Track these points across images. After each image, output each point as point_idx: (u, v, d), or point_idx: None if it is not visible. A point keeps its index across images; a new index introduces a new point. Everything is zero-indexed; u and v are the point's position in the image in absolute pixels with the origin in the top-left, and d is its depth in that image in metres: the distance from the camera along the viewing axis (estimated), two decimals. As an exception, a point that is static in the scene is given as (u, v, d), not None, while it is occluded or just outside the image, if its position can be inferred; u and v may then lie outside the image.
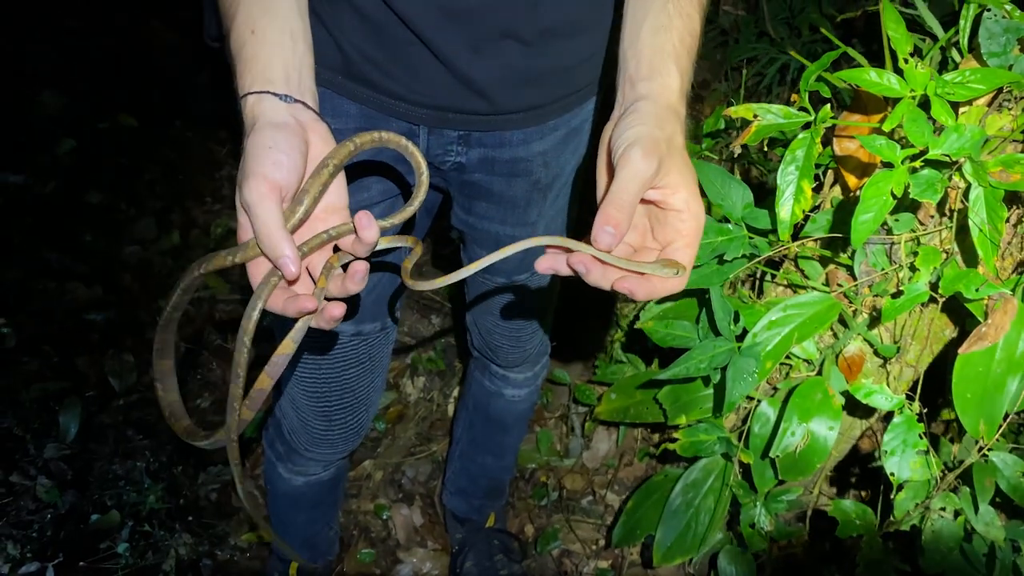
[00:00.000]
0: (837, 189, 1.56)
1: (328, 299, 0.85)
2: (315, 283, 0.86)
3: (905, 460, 1.35)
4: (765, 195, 1.53)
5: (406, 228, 1.40)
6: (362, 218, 0.81)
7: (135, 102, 3.30)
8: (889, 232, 1.40)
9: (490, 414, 1.91)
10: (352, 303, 1.30)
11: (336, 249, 0.88)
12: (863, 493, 2.07)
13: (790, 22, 3.68)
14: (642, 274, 0.81)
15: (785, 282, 1.65)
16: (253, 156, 0.79)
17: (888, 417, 1.46)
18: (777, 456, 1.44)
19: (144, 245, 2.82)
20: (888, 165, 1.21)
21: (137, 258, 2.77)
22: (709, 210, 1.71)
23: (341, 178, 0.88)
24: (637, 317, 1.72)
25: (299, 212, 0.82)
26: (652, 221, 0.87)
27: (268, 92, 0.85)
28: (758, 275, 1.70)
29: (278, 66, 0.87)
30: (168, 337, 0.91)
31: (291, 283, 0.84)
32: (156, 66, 3.45)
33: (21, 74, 3.24)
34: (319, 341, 1.37)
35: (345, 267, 0.88)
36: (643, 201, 0.85)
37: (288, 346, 0.87)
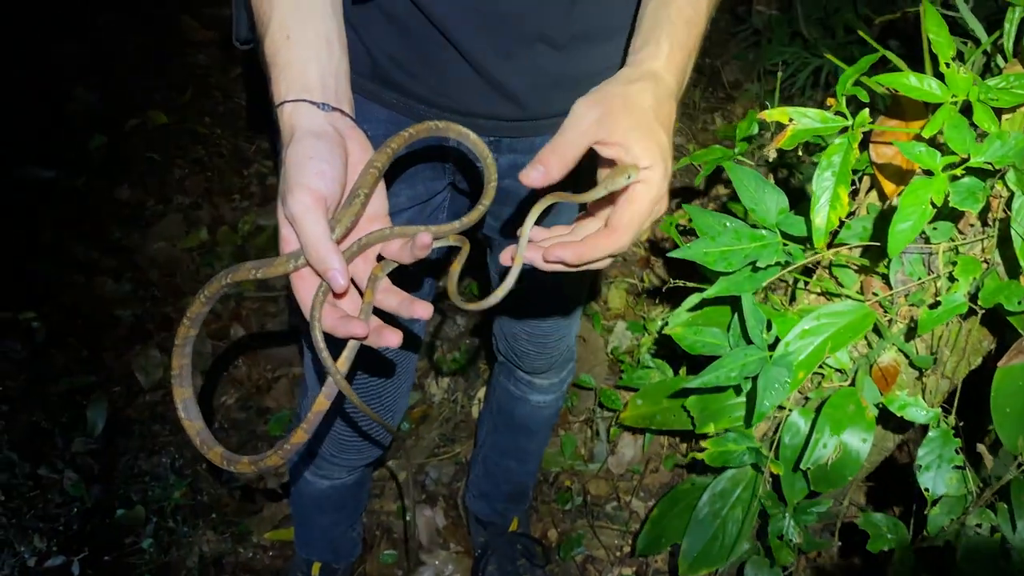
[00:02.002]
0: (873, 195, 1.53)
1: (376, 312, 0.84)
2: (361, 296, 0.85)
3: (940, 475, 1.32)
4: (800, 200, 1.50)
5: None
6: (424, 237, 0.81)
7: (166, 99, 3.32)
8: (927, 241, 1.36)
9: (515, 419, 1.89)
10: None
11: (380, 258, 0.86)
12: (896, 508, 2.03)
13: (824, 22, 3.63)
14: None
15: (818, 290, 1.62)
16: (295, 166, 0.78)
17: (922, 430, 1.42)
18: (808, 468, 1.41)
19: (172, 241, 2.83)
20: (928, 173, 1.17)
21: (165, 254, 2.79)
22: (745, 216, 1.68)
23: (382, 186, 0.87)
24: (666, 322, 1.69)
25: (360, 198, 0.81)
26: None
27: (305, 100, 0.83)
28: (790, 282, 1.67)
29: (314, 73, 0.85)
30: (186, 362, 0.89)
31: (339, 296, 0.82)
32: (187, 63, 3.47)
33: (54, 70, 3.27)
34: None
35: (392, 276, 0.86)
36: (606, 163, 0.85)
37: (342, 364, 0.86)
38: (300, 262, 0.79)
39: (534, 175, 0.80)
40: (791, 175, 2.30)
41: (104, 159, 3.05)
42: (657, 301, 2.68)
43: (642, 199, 0.82)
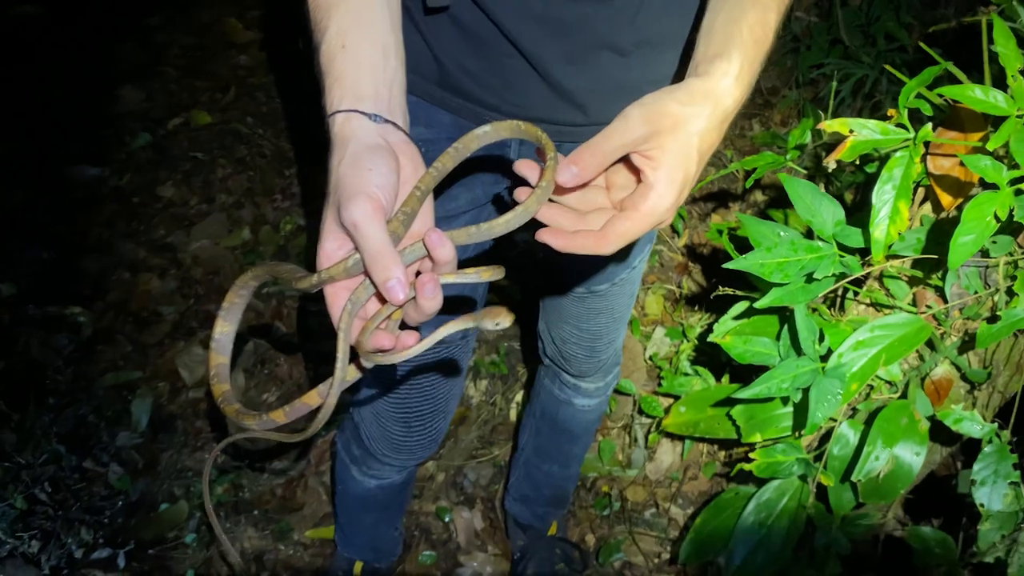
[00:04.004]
0: (927, 206, 1.52)
1: (403, 327, 0.83)
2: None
3: (997, 491, 1.31)
4: (850, 210, 1.49)
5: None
6: (432, 236, 0.78)
7: (209, 99, 3.36)
8: (985, 254, 1.35)
9: (558, 423, 1.90)
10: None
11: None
12: (934, 519, 2.01)
13: (865, 30, 3.60)
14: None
15: (868, 300, 1.61)
16: (353, 176, 0.77)
17: (973, 444, 1.41)
18: (859, 480, 1.41)
19: (215, 240, 2.87)
20: (992, 186, 1.17)
21: (208, 253, 2.82)
22: (786, 221, 1.67)
23: (429, 203, 0.86)
24: (709, 329, 1.69)
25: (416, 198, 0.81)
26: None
27: (357, 111, 0.82)
28: (839, 292, 1.66)
29: (368, 83, 0.84)
30: (239, 302, 0.87)
31: (399, 305, 0.81)
32: (230, 63, 3.51)
33: (103, 70, 3.32)
34: None
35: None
36: (633, 170, 0.87)
37: (352, 373, 0.86)
38: (323, 277, 0.79)
39: (566, 176, 0.83)
40: (829, 183, 2.28)
41: (149, 158, 3.10)
42: (696, 308, 2.68)
43: (645, 217, 0.84)
